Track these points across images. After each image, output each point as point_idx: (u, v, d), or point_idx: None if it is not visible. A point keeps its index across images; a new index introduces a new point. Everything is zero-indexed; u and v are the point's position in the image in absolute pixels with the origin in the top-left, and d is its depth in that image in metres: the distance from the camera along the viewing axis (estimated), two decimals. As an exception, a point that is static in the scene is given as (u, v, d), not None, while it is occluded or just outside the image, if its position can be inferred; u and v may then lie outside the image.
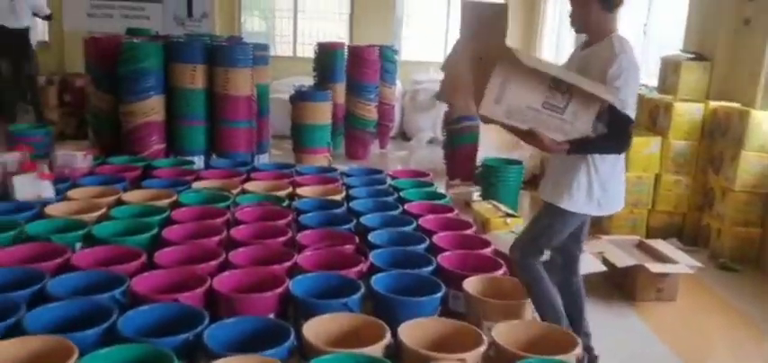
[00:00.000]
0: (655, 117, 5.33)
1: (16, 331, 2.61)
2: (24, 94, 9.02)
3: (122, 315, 2.74)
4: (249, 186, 4.91)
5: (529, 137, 2.65)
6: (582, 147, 2.68)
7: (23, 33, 7.98)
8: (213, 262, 3.35)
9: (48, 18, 8.09)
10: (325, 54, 7.58)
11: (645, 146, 5.13)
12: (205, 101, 5.97)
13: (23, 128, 6.41)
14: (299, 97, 6.55)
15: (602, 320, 3.56)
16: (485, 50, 2.68)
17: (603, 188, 2.81)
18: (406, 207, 4.44)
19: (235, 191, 4.74)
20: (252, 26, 11.67)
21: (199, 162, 5.93)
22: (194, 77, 5.84)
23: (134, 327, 2.70)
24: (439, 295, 3.06)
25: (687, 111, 5.11)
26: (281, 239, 3.75)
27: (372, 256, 3.48)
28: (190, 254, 3.50)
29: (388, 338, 2.61)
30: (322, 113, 6.38)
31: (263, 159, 6.53)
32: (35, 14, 8.13)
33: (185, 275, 3.22)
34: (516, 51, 2.51)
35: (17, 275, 3.13)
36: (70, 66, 10.56)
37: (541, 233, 2.96)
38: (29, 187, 4.30)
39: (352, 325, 2.79)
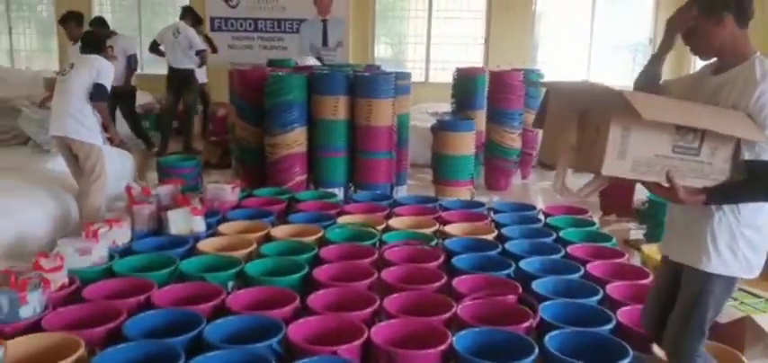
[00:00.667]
0: None
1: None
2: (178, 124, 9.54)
3: (279, 369, 2.59)
4: (393, 222, 4.71)
5: (659, 188, 2.20)
6: (722, 196, 2.20)
7: (186, 73, 8.46)
8: (368, 310, 3.15)
9: (200, 57, 8.48)
10: (465, 80, 7.29)
11: None
12: (346, 133, 5.87)
13: (173, 161, 6.60)
14: (442, 126, 6.30)
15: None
16: (590, 102, 2.30)
17: (749, 242, 2.27)
18: (568, 250, 4.05)
19: (379, 227, 4.56)
20: (381, 52, 11.63)
21: (339, 193, 5.84)
22: (337, 109, 5.77)
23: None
24: (627, 360, 2.67)
25: None
26: (436, 285, 3.50)
27: (542, 310, 3.13)
28: (342, 298, 3.33)
29: None
30: (466, 143, 6.09)
31: (401, 191, 6.34)
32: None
33: (340, 323, 3.04)
34: (629, 95, 2.11)
35: (175, 317, 3.08)
36: (214, 94, 11.00)
37: (704, 311, 2.34)
38: (182, 222, 4.33)
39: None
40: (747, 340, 3.17)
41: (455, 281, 3.52)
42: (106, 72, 4.96)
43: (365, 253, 3.95)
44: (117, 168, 5.86)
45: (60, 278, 3.39)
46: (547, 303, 3.21)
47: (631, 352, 2.72)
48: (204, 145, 9.17)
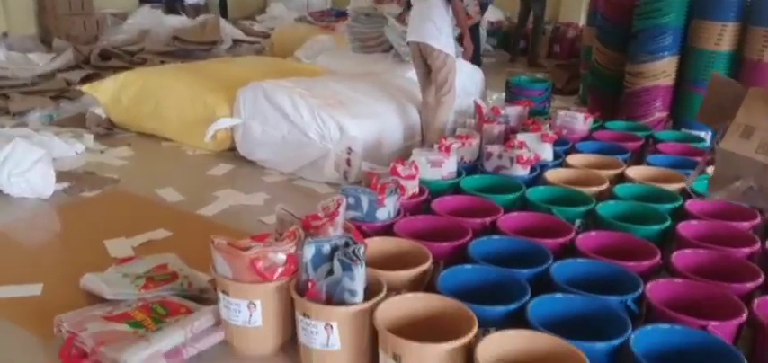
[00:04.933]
0: None
1: (519, 317, 2.37)
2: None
3: (635, 331, 2.25)
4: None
5: None
6: None
7: None
8: (749, 284, 2.60)
9: None
10: None
11: None
12: (728, 67, 5.00)
13: (523, 81, 6.45)
14: None
15: None
16: None
17: None
18: None
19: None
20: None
21: (707, 138, 5.06)
22: (721, 38, 4.93)
23: (649, 349, 2.18)
24: None
25: None
26: None
27: None
28: (713, 264, 2.81)
29: None
30: None
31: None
32: None
33: (712, 294, 2.55)
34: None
35: (520, 247, 2.93)
36: (565, 14, 10.53)
37: None
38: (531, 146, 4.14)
39: None
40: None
41: None
42: None
43: (744, 214, 3.29)
44: (465, 82, 5.91)
45: (413, 187, 3.49)
46: None
47: None
48: (550, 66, 8.90)
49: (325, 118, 4.53)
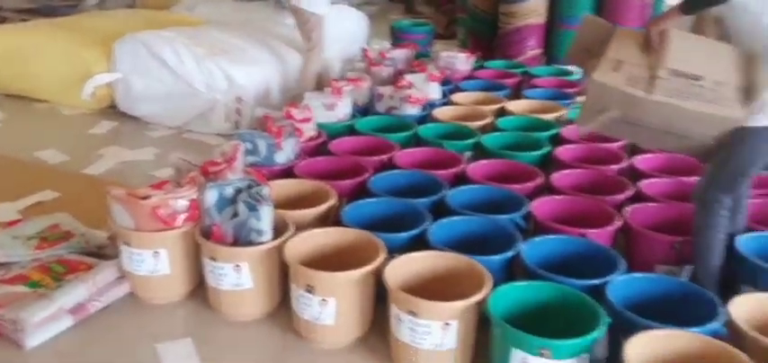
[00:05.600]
0: None
1: (420, 241, 2.51)
2: None
3: (524, 243, 2.47)
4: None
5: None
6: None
7: None
8: (620, 195, 2.90)
9: None
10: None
11: None
12: (592, 3, 5.37)
13: (407, 25, 6.58)
14: None
15: None
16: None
17: None
18: None
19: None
20: None
21: (577, 72, 5.43)
22: (585, -24, 5.29)
23: (537, 258, 2.40)
24: None
25: None
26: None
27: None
28: (589, 181, 3.10)
29: None
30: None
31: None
32: None
33: (590, 206, 2.83)
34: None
35: (417, 179, 3.08)
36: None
37: None
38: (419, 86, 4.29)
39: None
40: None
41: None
42: None
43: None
44: (351, 28, 5.96)
45: (309, 130, 3.54)
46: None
47: None
48: (430, 12, 9.08)
49: (211, 67, 4.44)
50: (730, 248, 2.44)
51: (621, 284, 2.23)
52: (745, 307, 2.12)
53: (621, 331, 1.97)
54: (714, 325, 2.01)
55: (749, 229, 2.58)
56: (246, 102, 4.39)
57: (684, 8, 2.30)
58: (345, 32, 5.33)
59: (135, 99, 4.70)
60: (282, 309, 2.54)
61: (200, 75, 4.43)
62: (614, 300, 2.12)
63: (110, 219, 2.55)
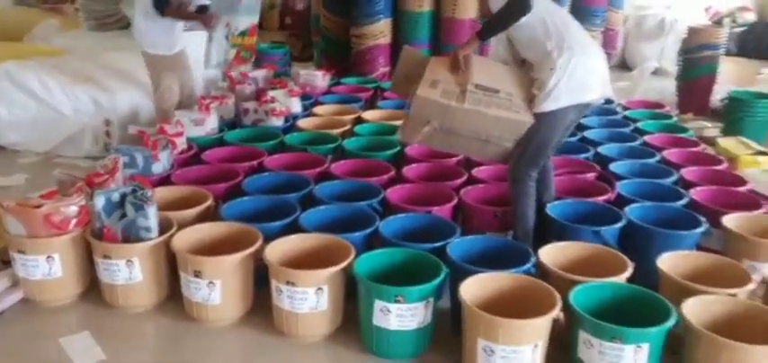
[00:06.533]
0: None
1: (294, 229, 2.91)
2: None
3: (381, 222, 2.94)
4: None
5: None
6: (490, 29, 2.92)
7: None
8: (457, 181, 3.47)
9: None
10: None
11: None
12: (430, 25, 6.06)
13: (265, 48, 6.96)
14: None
15: None
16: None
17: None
18: (646, 139, 4.23)
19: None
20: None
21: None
22: (423, 0, 5.94)
23: (392, 232, 2.88)
24: (701, 229, 2.90)
25: None
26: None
27: (619, 186, 3.37)
28: (433, 171, 3.66)
29: (630, 270, 2.55)
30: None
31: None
32: None
33: (434, 190, 3.36)
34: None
35: (286, 179, 3.48)
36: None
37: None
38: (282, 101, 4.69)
39: (591, 255, 2.75)
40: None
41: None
42: None
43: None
44: (213, 53, 6.22)
45: (181, 143, 3.83)
46: (625, 181, 3.45)
47: (704, 223, 2.94)
48: (285, 37, 9.50)
49: (77, 93, 4.58)
50: (542, 213, 3.06)
51: (458, 245, 2.76)
52: (550, 253, 2.70)
53: (459, 278, 2.47)
54: (526, 267, 2.59)
55: (557, 198, 3.23)
56: (114, 123, 4.57)
57: (481, 36, 2.93)
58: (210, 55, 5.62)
59: (1, 128, 4.71)
60: (172, 300, 2.84)
61: (67, 100, 4.55)
62: (452, 256, 2.64)
63: (2, 231, 2.72)
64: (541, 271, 2.60)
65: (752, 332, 2.21)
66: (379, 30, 6.11)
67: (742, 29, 8.86)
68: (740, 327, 2.25)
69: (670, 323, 2.20)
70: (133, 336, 2.68)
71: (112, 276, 2.71)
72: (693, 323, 2.20)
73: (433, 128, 2.92)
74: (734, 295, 2.41)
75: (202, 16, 4.41)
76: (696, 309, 2.29)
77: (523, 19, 2.78)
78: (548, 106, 2.80)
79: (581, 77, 2.81)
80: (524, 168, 2.94)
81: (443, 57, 3.06)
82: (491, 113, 2.82)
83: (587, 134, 4.33)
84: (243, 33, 3.95)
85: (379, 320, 2.45)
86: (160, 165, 3.49)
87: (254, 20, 4.12)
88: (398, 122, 4.47)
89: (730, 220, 3.00)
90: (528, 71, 2.96)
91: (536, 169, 2.96)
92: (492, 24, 2.91)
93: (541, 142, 2.88)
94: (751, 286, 2.48)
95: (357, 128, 4.41)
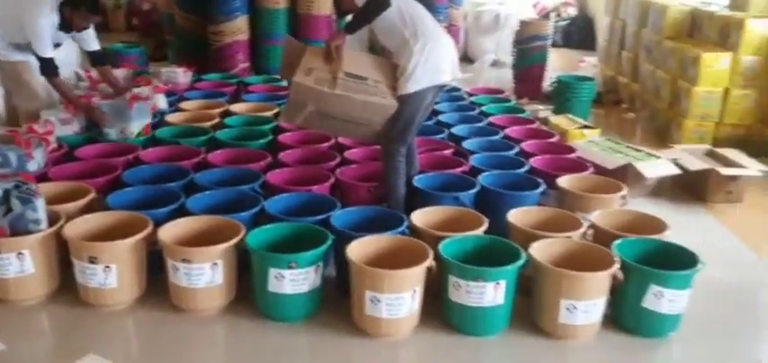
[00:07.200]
0: (726, 34, 5.48)
1: (182, 211, 3.07)
2: None
3: (265, 202, 3.18)
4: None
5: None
6: (357, 22, 3.23)
7: None
8: (332, 163, 3.77)
9: None
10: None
11: (715, 61, 5.31)
12: (287, 21, 6.30)
13: (120, 48, 6.83)
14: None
15: (680, 219, 3.84)
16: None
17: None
18: (491, 120, 4.78)
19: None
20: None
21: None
22: (279, -4, 6.18)
23: (278, 209, 3.13)
24: (540, 189, 3.43)
25: (758, 28, 5.26)
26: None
27: (472, 159, 3.85)
28: (308, 156, 3.93)
29: (485, 225, 3.01)
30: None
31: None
32: None
33: (311, 172, 3.64)
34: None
35: (165, 170, 3.60)
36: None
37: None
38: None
39: (453, 216, 3.17)
40: (630, 183, 4.00)
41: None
42: None
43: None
44: (65, 56, 6.04)
45: (53, 141, 3.80)
46: (476, 155, 3.94)
47: (542, 185, 3.49)
48: (136, 38, 9.28)
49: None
50: (410, 185, 3.45)
51: (340, 216, 3.06)
52: (420, 217, 3.08)
53: (344, 243, 2.77)
54: (401, 229, 2.95)
55: (421, 172, 3.63)
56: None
57: (349, 29, 3.25)
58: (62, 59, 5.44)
59: None
60: (64, 290, 2.89)
61: None
62: (336, 224, 2.94)
63: None
64: (414, 232, 2.98)
65: (584, 264, 2.72)
66: (238, 27, 6.25)
67: (565, 22, 10.02)
68: (575, 261, 2.75)
69: (520, 261, 2.66)
70: (31, 326, 2.72)
71: (4, 270, 2.73)
72: (539, 260, 2.68)
73: (310, 112, 3.21)
74: (569, 237, 2.94)
75: (94, 112, 4.22)
76: (541, 250, 2.77)
77: (384, 12, 3.14)
78: (409, 88, 3.18)
79: (435, 62, 3.22)
80: (394, 145, 3.30)
81: (319, 47, 3.34)
82: (359, 98, 3.15)
83: (442, 118, 4.80)
84: (138, 134, 4.03)
85: (274, 286, 2.70)
86: (35, 163, 3.47)
87: (145, 122, 4.12)
88: (267, 114, 4.74)
89: (563, 181, 3.57)
90: (389, 58, 3.33)
91: (404, 145, 3.34)
92: (358, 18, 3.24)
93: (407, 120, 3.26)
94: (582, 230, 3.03)
95: (227, 120, 4.57)
